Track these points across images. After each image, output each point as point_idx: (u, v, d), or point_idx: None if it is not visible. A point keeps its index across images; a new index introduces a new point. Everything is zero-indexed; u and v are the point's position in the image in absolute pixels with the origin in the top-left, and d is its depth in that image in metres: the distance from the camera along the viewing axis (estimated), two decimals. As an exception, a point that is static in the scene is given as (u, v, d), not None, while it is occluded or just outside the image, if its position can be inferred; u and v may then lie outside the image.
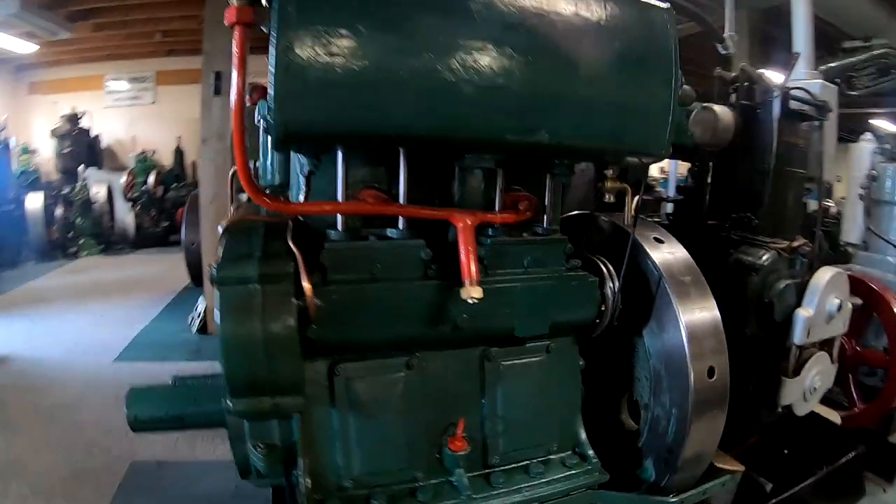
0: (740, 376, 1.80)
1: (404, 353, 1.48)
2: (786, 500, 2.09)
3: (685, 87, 1.66)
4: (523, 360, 1.61)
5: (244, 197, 1.97)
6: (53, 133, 9.67)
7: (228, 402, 1.28)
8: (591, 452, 1.68)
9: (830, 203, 6.16)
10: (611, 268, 1.68)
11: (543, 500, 1.56)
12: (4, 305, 6.00)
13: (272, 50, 1.12)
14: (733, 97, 2.17)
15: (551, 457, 1.66)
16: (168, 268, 7.51)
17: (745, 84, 2.15)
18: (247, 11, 1.20)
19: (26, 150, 9.51)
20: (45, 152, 10.23)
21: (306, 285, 1.24)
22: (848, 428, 2.50)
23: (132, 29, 9.11)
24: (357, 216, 1.45)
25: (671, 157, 2.60)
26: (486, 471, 1.58)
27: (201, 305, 5.10)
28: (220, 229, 1.42)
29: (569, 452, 1.69)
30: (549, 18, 1.27)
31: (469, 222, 1.39)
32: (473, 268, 1.32)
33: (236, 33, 1.22)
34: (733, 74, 2.20)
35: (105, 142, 10.62)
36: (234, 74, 1.23)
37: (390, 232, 1.45)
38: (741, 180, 2.16)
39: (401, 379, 1.48)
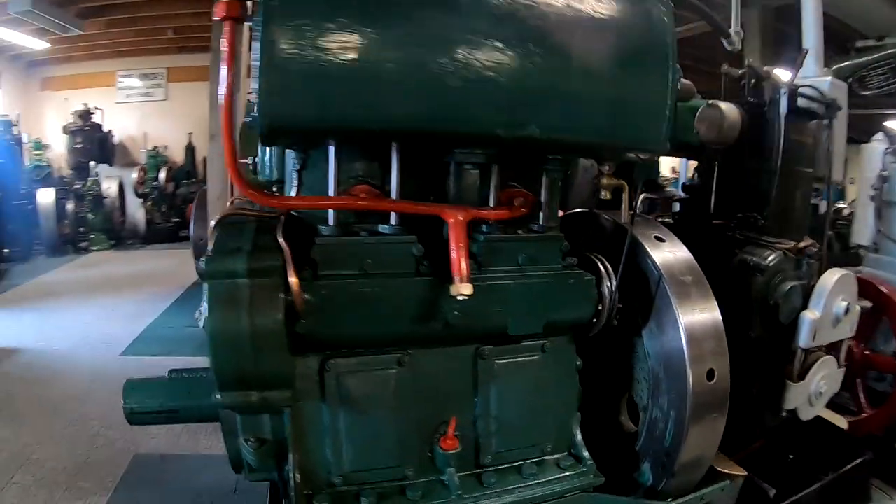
0: (744, 379, 1.77)
1: (396, 350, 1.47)
2: (789, 506, 2.05)
3: (684, 80, 1.63)
4: (518, 359, 1.59)
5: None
6: (65, 129, 9.77)
7: (217, 395, 1.28)
8: (586, 454, 1.66)
9: (843, 204, 6.07)
10: (608, 266, 1.65)
11: (536, 501, 1.54)
12: (15, 299, 6.09)
13: (256, 44, 1.11)
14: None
15: (546, 458, 1.64)
16: (178, 263, 7.58)
17: (752, 81, 2.11)
18: (235, 6, 1.20)
19: (38, 146, 9.61)
20: (57, 148, 10.35)
21: (292, 280, 1.23)
22: (855, 433, 2.46)
23: (143, 26, 9.20)
24: (349, 211, 1.44)
25: (676, 155, 2.56)
26: (478, 470, 1.56)
27: (208, 301, 5.13)
28: (212, 224, 1.42)
29: (564, 454, 1.67)
30: (540, 10, 1.25)
31: (461, 218, 1.37)
32: (463, 264, 1.30)
33: (226, 29, 1.22)
34: (741, 71, 2.16)
35: (117, 138, 10.70)
36: (224, 70, 1.23)
37: (382, 227, 1.43)
38: (747, 179, 2.12)
39: (392, 376, 1.46)
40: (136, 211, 9.88)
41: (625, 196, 1.66)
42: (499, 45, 1.22)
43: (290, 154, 1.50)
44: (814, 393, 2.03)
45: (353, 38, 1.14)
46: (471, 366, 1.56)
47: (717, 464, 1.79)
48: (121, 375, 1.73)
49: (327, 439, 1.43)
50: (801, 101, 2.01)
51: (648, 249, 1.70)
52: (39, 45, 9.04)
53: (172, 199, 10.35)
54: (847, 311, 2.01)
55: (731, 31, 2.17)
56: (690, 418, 1.57)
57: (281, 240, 1.29)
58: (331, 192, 1.38)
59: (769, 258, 1.95)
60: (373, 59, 1.16)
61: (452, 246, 1.33)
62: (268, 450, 1.42)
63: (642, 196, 2.59)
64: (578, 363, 1.72)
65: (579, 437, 1.69)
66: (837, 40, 3.87)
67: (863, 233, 3.24)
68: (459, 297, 1.29)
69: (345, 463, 1.44)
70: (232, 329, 1.20)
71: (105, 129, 10.20)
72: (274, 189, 1.95)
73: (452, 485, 1.46)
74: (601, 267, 1.65)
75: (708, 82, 1.84)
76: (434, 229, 1.45)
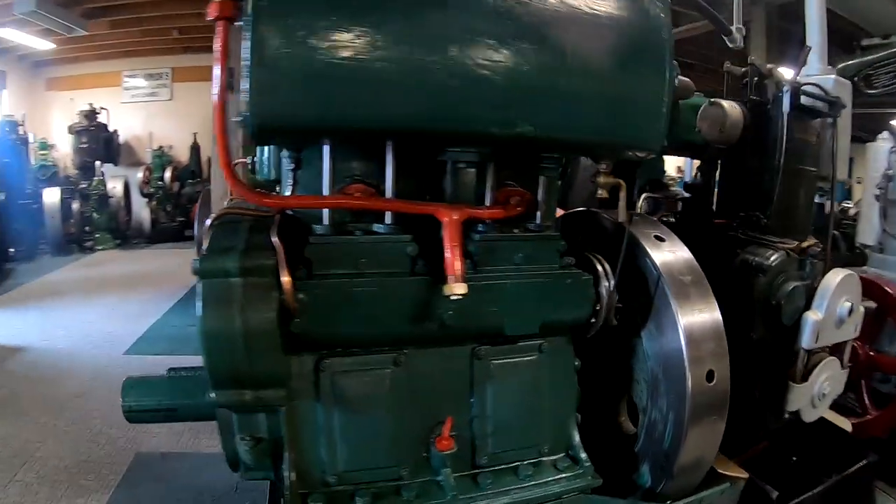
0: (746, 381, 1.75)
1: (392, 350, 1.46)
2: (792, 508, 2.03)
3: (681, 77, 1.61)
4: (514, 360, 1.57)
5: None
6: (71, 129, 9.83)
7: (211, 393, 1.28)
8: (584, 455, 1.64)
9: (850, 204, 6.01)
10: (606, 266, 1.64)
11: (532, 502, 1.53)
12: (20, 298, 6.14)
13: (246, 43, 1.10)
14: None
15: (542, 459, 1.63)
16: (182, 262, 7.55)
17: (755, 79, 2.09)
18: (228, 6, 1.20)
19: (44, 146, 9.67)
20: (63, 148, 10.42)
21: (285, 279, 1.22)
22: (859, 435, 2.43)
23: (148, 26, 9.24)
24: (344, 211, 1.43)
25: (678, 154, 2.54)
26: (474, 471, 1.55)
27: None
28: (207, 223, 1.42)
29: (561, 455, 1.65)
30: (534, 7, 1.23)
31: (455, 217, 1.36)
32: (458, 264, 1.29)
33: (218, 28, 1.21)
34: (743, 69, 2.13)
35: (122, 137, 10.77)
36: (217, 69, 1.22)
37: (377, 227, 1.42)
38: (750, 178, 2.09)
39: (387, 375, 1.45)
40: (142, 210, 9.95)
41: (622, 195, 1.64)
42: (492, 42, 1.21)
43: (284, 153, 1.49)
44: (817, 394, 2.00)
45: (343, 37, 1.13)
46: (467, 366, 1.54)
47: (718, 466, 1.77)
48: (124, 374, 1.74)
49: (322, 439, 1.42)
50: (804, 99, 1.98)
51: (647, 249, 1.68)
52: (45, 45, 9.10)
53: (177, 199, 10.40)
54: (851, 311, 1.98)
55: (733, 28, 2.15)
56: (689, 420, 1.55)
57: (275, 239, 1.29)
58: (325, 191, 1.38)
59: (772, 258, 1.93)
60: (363, 57, 1.15)
61: (447, 245, 1.32)
62: (263, 448, 1.41)
63: (645, 195, 2.58)
64: (577, 364, 1.70)
65: (577, 438, 1.67)
66: (843, 38, 3.83)
67: (868, 232, 3.20)
68: (453, 297, 1.28)
69: (340, 462, 1.43)
70: (225, 328, 1.20)
71: (110, 128, 10.26)
72: (276, 189, 1.95)
73: (448, 485, 1.45)
74: (599, 266, 1.64)
75: (712, 81, 1.82)
76: (429, 229, 1.44)
